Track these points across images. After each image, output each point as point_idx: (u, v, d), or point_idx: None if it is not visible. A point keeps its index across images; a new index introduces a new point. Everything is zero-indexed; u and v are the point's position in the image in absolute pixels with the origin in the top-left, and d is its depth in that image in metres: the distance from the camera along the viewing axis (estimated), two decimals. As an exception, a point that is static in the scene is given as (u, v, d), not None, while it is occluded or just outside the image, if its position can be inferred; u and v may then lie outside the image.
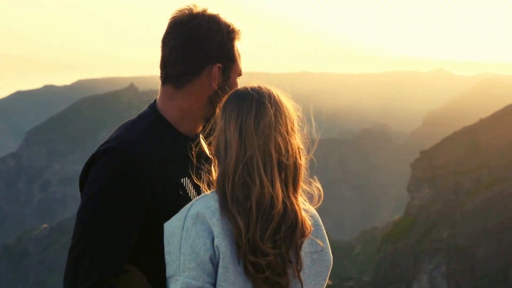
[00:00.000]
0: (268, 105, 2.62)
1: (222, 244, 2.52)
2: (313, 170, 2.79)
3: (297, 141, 2.68)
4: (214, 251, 2.53)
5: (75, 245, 2.64)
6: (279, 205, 2.56)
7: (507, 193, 45.89)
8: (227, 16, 2.87)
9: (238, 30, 2.87)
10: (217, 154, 2.66)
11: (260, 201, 2.54)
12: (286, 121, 2.64)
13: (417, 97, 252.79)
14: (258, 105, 2.61)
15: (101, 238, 2.63)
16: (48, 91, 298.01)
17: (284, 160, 2.61)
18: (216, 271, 2.55)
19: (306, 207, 2.72)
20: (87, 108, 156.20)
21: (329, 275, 2.80)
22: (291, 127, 2.66)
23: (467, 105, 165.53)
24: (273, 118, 2.60)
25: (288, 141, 2.63)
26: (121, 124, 2.89)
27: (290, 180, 2.63)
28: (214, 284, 2.56)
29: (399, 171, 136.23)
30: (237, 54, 2.88)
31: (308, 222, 2.65)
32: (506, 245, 42.54)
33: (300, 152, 2.69)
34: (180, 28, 2.80)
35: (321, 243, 2.75)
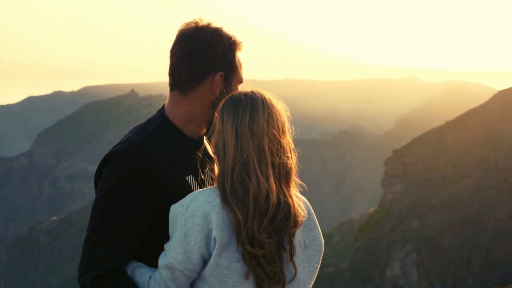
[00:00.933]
0: (261, 108, 2.62)
1: (220, 235, 2.53)
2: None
3: (288, 140, 2.69)
4: (206, 244, 2.55)
5: (90, 237, 2.66)
6: (274, 198, 2.57)
7: (470, 188, 46.00)
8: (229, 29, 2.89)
9: (240, 42, 2.87)
10: (216, 153, 2.66)
11: (257, 196, 2.55)
12: (277, 122, 2.64)
13: (389, 101, 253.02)
14: (252, 109, 2.62)
15: (113, 231, 2.65)
16: (57, 96, 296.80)
17: (277, 158, 2.62)
18: (203, 262, 2.58)
19: (299, 199, 2.73)
20: (92, 112, 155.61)
21: (321, 258, 2.81)
22: (282, 128, 2.66)
23: (435, 109, 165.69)
24: (265, 120, 2.61)
25: (280, 141, 2.64)
26: (132, 127, 2.89)
27: (283, 175, 2.64)
28: (198, 273, 2.60)
29: (374, 168, 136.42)
30: (238, 64, 2.87)
31: (301, 213, 2.66)
32: (469, 235, 42.63)
33: (291, 150, 2.69)
34: (186, 40, 2.80)
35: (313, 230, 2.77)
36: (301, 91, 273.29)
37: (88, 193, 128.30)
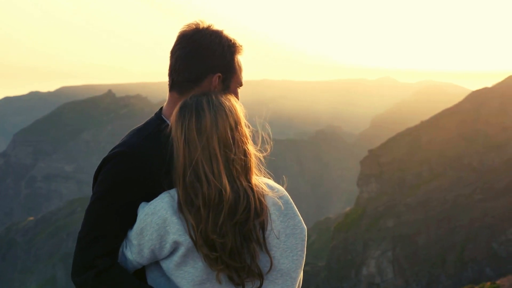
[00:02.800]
0: (207, 109, 2.62)
1: (182, 238, 2.56)
2: (273, 166, 2.80)
3: (244, 133, 2.68)
4: (160, 243, 2.59)
5: (85, 237, 2.68)
6: (228, 195, 2.56)
7: (445, 187, 46.29)
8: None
9: (240, 45, 2.89)
10: (174, 160, 2.67)
11: (208, 197, 2.55)
12: (227, 119, 2.63)
13: (365, 101, 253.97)
14: (197, 111, 2.62)
15: (109, 230, 2.68)
16: (34, 96, 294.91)
17: (231, 154, 2.61)
18: (152, 257, 2.63)
19: (267, 190, 2.70)
20: (69, 112, 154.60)
21: (306, 245, 2.79)
22: (235, 123, 2.65)
23: (410, 109, 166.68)
24: (212, 120, 2.60)
25: (232, 136, 2.63)
26: (129, 130, 2.91)
27: (240, 169, 2.63)
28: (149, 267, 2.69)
29: (350, 168, 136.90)
30: (237, 66, 2.89)
31: (265, 203, 2.65)
32: (444, 233, 42.88)
33: (248, 142, 2.68)
34: (186, 41, 2.83)
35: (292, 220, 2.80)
36: (278, 91, 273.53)
37: (65, 193, 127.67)
